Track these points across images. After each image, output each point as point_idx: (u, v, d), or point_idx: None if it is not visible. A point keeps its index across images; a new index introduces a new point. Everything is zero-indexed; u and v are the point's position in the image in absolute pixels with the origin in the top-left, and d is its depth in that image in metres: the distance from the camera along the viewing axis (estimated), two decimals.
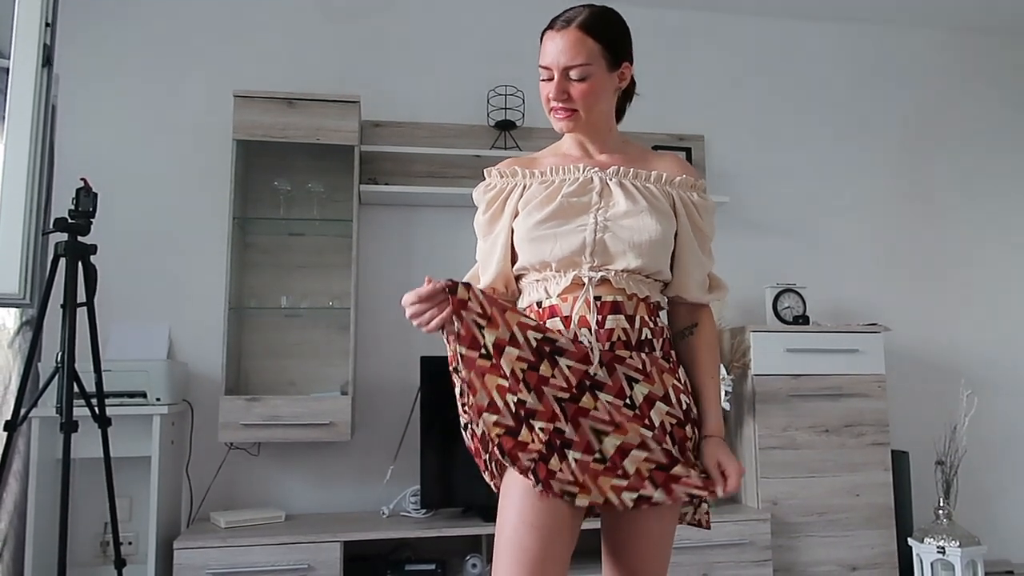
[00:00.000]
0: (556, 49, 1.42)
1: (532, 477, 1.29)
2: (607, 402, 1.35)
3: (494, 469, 1.42)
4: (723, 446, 1.45)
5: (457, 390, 1.38)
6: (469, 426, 1.40)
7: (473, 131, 3.52)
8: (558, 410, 1.32)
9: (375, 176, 3.39)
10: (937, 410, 3.54)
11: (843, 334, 3.29)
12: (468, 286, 1.33)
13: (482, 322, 1.32)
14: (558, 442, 1.30)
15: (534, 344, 1.34)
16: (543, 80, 1.46)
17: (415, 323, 1.32)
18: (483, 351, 1.31)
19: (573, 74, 1.42)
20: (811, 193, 3.85)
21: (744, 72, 3.87)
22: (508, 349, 1.32)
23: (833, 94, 3.94)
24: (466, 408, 1.37)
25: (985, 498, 3.71)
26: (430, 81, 3.57)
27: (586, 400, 1.34)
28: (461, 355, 1.31)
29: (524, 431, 1.30)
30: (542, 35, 1.46)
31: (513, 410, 1.30)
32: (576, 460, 1.30)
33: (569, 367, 1.35)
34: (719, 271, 1.60)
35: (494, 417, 1.30)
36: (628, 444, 1.33)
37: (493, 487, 1.45)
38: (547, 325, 1.43)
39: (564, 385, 1.34)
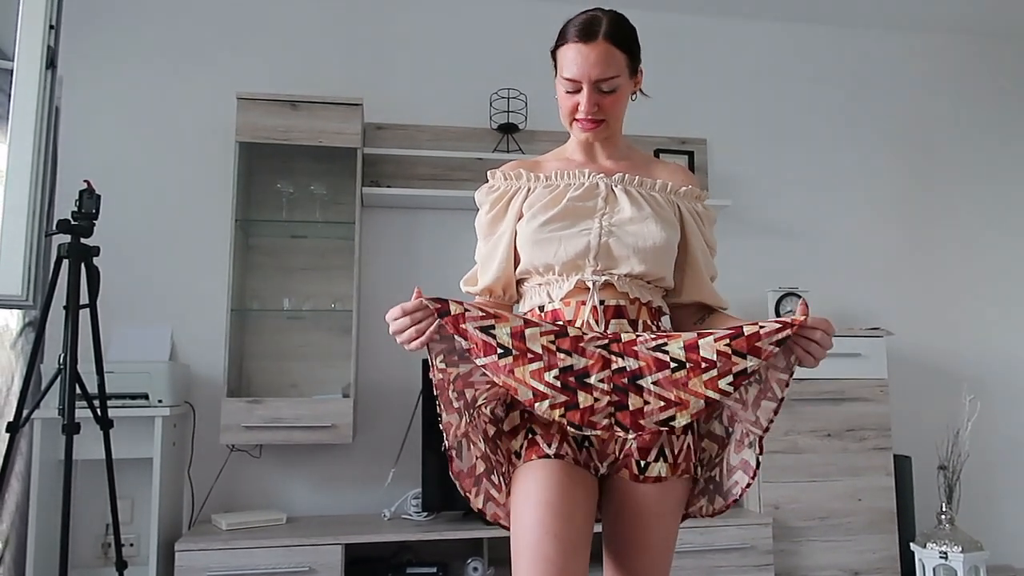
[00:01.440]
0: (586, 63, 1.39)
1: (620, 429, 1.25)
2: (647, 336, 1.32)
3: (491, 491, 1.40)
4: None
5: (440, 415, 1.34)
6: (453, 451, 1.36)
7: (476, 134, 3.53)
8: (607, 353, 1.29)
9: (377, 179, 3.39)
10: (939, 414, 3.53)
11: (845, 338, 3.28)
12: (459, 302, 1.30)
13: (490, 321, 1.28)
14: (625, 380, 1.27)
15: (550, 325, 1.32)
16: (568, 92, 1.44)
17: (399, 340, 1.28)
18: (501, 350, 1.26)
19: (604, 86, 1.41)
20: (813, 197, 3.84)
21: (746, 76, 3.87)
22: (529, 331, 1.28)
23: (835, 97, 3.94)
24: (453, 432, 1.34)
25: (988, 503, 3.70)
26: (433, 84, 3.57)
27: (627, 336, 1.32)
28: (483, 366, 1.26)
29: (582, 396, 1.25)
30: (559, 45, 1.44)
31: (560, 384, 1.25)
32: (656, 381, 1.26)
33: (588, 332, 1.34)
34: (722, 273, 1.60)
35: (546, 403, 1.24)
36: (691, 340, 1.28)
37: (488, 516, 1.41)
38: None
39: (599, 334, 1.32)
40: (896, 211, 3.91)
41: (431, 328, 1.27)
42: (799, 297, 3.46)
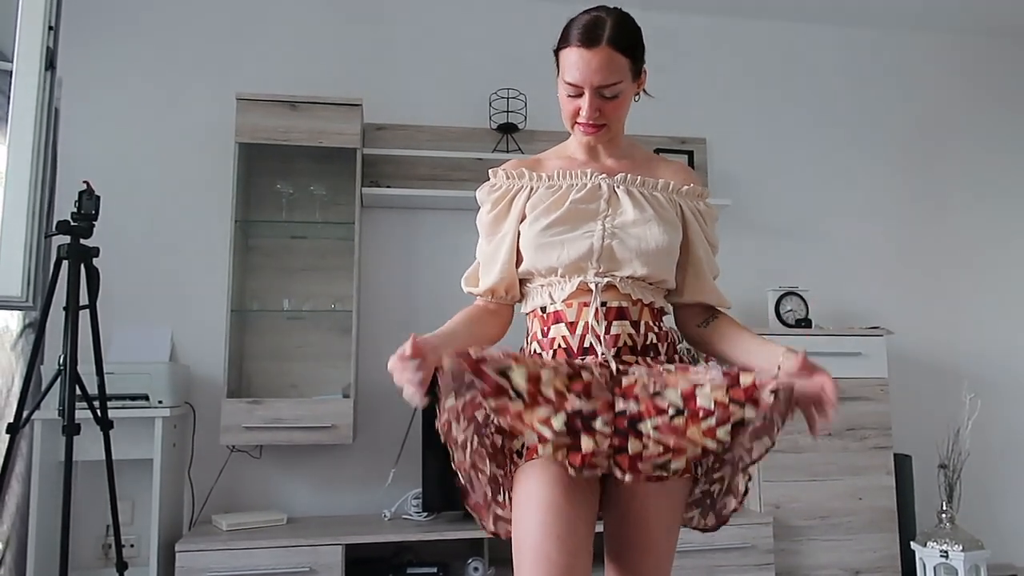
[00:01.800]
0: (588, 68, 1.37)
1: (618, 471, 1.25)
2: (644, 373, 1.32)
3: (498, 511, 1.42)
4: (796, 353, 1.36)
5: (453, 457, 1.35)
6: (467, 485, 1.40)
7: (475, 134, 3.53)
8: (612, 398, 1.28)
9: (377, 179, 3.39)
10: (940, 413, 3.54)
11: (845, 337, 3.28)
12: (479, 350, 1.28)
13: (508, 362, 1.26)
14: (626, 423, 1.26)
15: (564, 368, 1.31)
16: (569, 96, 1.42)
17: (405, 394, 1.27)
18: (512, 393, 1.24)
19: (607, 92, 1.40)
20: (813, 196, 3.84)
21: (746, 75, 3.87)
22: (544, 372, 1.27)
23: (835, 97, 3.94)
24: (465, 468, 1.37)
25: (988, 501, 3.70)
26: (432, 84, 3.57)
27: (627, 379, 1.30)
28: (492, 408, 1.25)
29: (586, 440, 1.24)
30: (561, 46, 1.42)
31: (567, 428, 1.24)
32: (656, 426, 1.25)
33: (596, 370, 1.33)
34: (723, 273, 1.60)
35: (549, 448, 1.24)
36: (688, 389, 1.27)
37: (502, 535, 1.43)
38: (551, 331, 1.43)
39: (605, 379, 1.31)
40: (896, 210, 3.91)
41: (422, 375, 1.26)
42: (799, 296, 3.46)
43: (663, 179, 1.51)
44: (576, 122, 1.45)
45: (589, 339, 1.39)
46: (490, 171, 1.56)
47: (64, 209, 2.48)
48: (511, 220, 1.49)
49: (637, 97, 1.51)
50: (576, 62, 1.39)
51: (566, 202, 1.44)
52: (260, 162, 3.29)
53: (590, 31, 1.38)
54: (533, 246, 1.44)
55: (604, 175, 1.48)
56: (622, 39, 1.39)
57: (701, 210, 1.53)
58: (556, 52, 1.45)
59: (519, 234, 1.47)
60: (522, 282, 1.52)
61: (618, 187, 1.47)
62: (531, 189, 1.50)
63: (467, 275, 1.57)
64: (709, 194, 1.57)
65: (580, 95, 1.41)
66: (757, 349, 1.45)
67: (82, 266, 2.37)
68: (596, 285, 1.40)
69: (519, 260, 1.48)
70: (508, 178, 1.53)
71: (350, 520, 3.11)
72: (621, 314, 1.41)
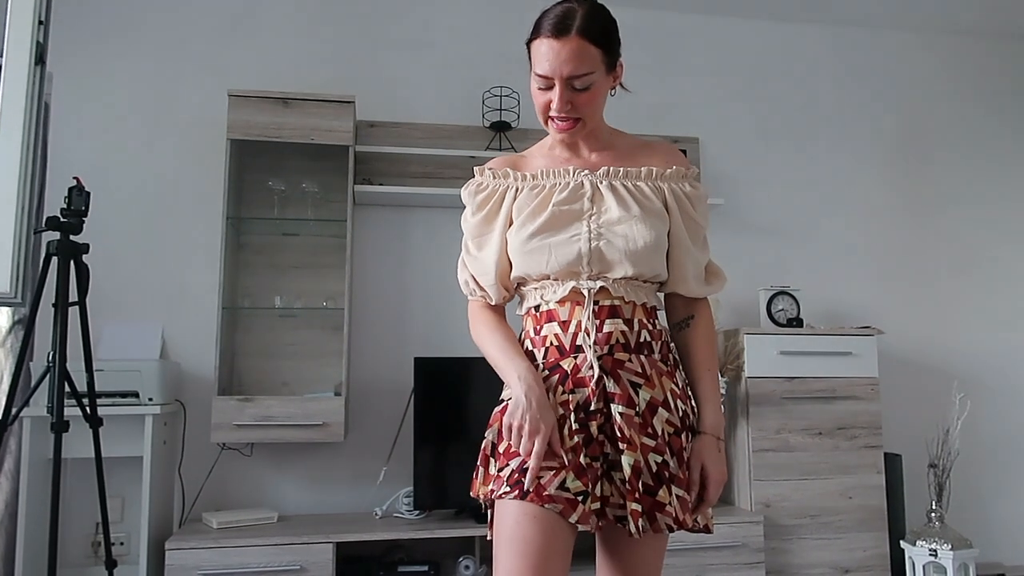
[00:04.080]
0: (558, 59, 1.35)
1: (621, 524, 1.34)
2: (620, 413, 1.35)
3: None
4: (713, 448, 1.42)
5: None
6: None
7: (468, 132, 3.52)
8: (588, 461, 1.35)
9: (370, 176, 3.38)
10: (930, 413, 3.55)
11: (836, 337, 3.30)
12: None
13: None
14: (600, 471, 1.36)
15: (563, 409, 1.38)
16: (540, 88, 1.41)
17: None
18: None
19: (577, 84, 1.37)
20: (805, 196, 3.85)
21: (739, 75, 3.88)
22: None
23: (828, 97, 3.95)
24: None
25: (977, 501, 3.72)
26: (425, 82, 3.57)
27: (593, 427, 1.36)
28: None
29: (579, 507, 1.33)
30: (532, 38, 1.41)
31: (572, 493, 1.33)
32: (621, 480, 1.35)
33: (581, 397, 1.38)
34: None
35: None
36: (638, 464, 1.34)
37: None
38: (543, 329, 1.43)
39: (596, 393, 1.37)
40: (887, 210, 3.92)
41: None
42: (791, 296, 3.47)
43: (646, 167, 1.48)
44: (548, 116, 1.43)
45: (581, 337, 1.39)
46: (475, 169, 1.54)
47: (54, 205, 2.47)
48: (500, 221, 1.47)
49: (613, 91, 1.48)
50: (546, 53, 1.36)
51: (549, 204, 1.43)
52: (252, 159, 3.28)
53: (560, 21, 1.36)
54: (521, 253, 1.43)
55: (586, 171, 1.46)
56: (593, 29, 1.36)
57: (687, 192, 1.48)
58: (528, 44, 1.42)
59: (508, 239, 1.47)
60: (517, 284, 1.51)
61: (600, 183, 1.45)
62: (517, 190, 1.48)
63: (467, 283, 1.53)
64: (697, 172, 1.53)
65: (551, 87, 1.39)
66: (696, 400, 1.50)
67: (72, 262, 2.35)
68: (589, 291, 1.40)
69: (511, 262, 1.47)
70: (495, 177, 1.51)
71: (341, 518, 3.10)
72: (613, 313, 1.40)
